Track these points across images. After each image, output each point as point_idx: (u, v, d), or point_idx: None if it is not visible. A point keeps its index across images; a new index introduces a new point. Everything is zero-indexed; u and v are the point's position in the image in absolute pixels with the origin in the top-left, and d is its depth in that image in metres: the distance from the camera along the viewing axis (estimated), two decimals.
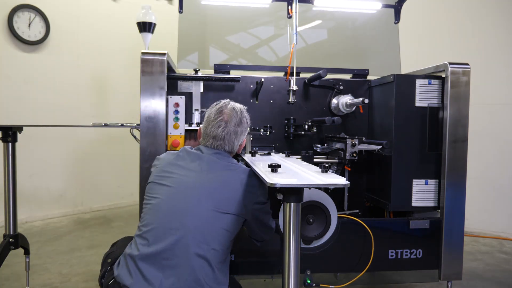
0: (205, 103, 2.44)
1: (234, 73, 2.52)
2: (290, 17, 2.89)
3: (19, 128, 2.24)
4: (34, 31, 4.14)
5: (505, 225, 3.79)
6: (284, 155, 2.16)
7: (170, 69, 2.25)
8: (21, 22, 4.05)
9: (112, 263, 1.57)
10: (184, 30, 2.91)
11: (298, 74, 2.57)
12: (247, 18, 3.23)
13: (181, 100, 2.15)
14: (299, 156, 2.27)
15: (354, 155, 2.19)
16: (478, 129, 3.57)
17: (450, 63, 2.14)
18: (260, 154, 2.25)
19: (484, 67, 3.80)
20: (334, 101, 2.53)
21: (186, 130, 2.21)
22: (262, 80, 2.42)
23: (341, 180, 1.17)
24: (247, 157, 2.00)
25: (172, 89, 2.37)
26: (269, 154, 2.32)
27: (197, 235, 1.41)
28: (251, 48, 3.23)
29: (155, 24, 2.49)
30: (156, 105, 1.96)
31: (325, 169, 1.29)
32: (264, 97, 2.51)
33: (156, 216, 1.47)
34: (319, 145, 2.49)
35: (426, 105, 2.21)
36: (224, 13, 3.14)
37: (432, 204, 2.24)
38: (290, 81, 2.44)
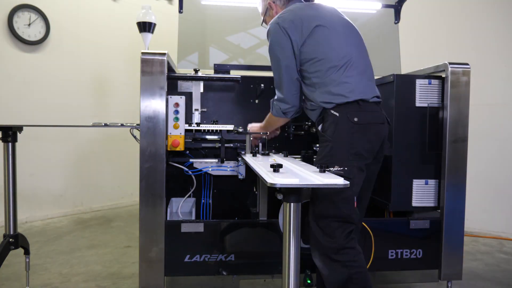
0: (205, 103, 2.44)
1: (234, 73, 2.52)
2: None
3: (19, 128, 2.24)
4: (34, 31, 4.14)
5: (505, 225, 3.79)
6: (282, 155, 2.16)
7: (170, 69, 2.25)
8: (21, 22, 4.04)
9: None
10: (184, 30, 2.90)
11: None
12: (247, 18, 3.22)
13: (181, 100, 2.15)
14: (299, 156, 2.27)
15: None
16: (478, 129, 3.56)
17: (450, 63, 2.14)
18: (261, 154, 2.26)
19: (484, 67, 3.79)
20: None
21: (186, 130, 2.21)
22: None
23: (340, 180, 1.17)
24: (248, 157, 2.00)
25: (172, 89, 2.37)
26: (268, 154, 2.32)
27: None
28: (251, 48, 3.23)
29: (155, 24, 2.49)
30: (156, 105, 1.96)
31: (322, 169, 1.29)
32: (265, 97, 2.50)
33: None
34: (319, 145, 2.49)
35: (426, 105, 2.21)
36: (224, 13, 3.13)
37: (432, 204, 2.24)
38: None
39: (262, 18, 2.13)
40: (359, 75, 1.80)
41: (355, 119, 1.72)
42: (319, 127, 1.85)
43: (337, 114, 1.75)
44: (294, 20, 1.81)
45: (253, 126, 2.26)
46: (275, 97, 1.94)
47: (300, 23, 1.80)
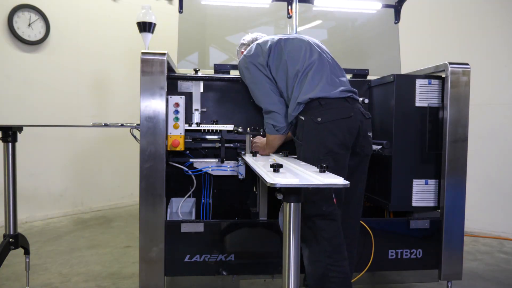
0: (205, 103, 2.44)
1: (234, 73, 2.51)
2: (290, 17, 2.89)
3: (19, 128, 2.24)
4: (34, 31, 4.14)
5: (505, 225, 3.79)
6: (282, 155, 2.16)
7: (170, 69, 2.25)
8: (21, 22, 4.05)
9: None
10: (184, 30, 2.90)
11: None
12: (247, 18, 3.23)
13: (181, 100, 2.15)
14: None
15: None
16: (478, 129, 3.57)
17: (450, 63, 2.14)
18: (261, 154, 2.26)
19: (484, 67, 3.79)
20: None
21: (186, 130, 2.21)
22: None
23: (340, 180, 1.17)
24: (248, 157, 2.00)
25: (172, 89, 2.37)
26: (268, 154, 2.32)
27: None
28: None
29: (155, 24, 2.49)
30: (156, 105, 1.96)
31: (322, 169, 1.29)
32: None
33: None
34: None
35: (426, 105, 2.21)
36: (224, 13, 3.14)
37: (432, 204, 2.24)
38: None
39: None
40: (319, 76, 1.92)
41: (319, 119, 1.83)
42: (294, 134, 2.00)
43: (303, 118, 1.89)
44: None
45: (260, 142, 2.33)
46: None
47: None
